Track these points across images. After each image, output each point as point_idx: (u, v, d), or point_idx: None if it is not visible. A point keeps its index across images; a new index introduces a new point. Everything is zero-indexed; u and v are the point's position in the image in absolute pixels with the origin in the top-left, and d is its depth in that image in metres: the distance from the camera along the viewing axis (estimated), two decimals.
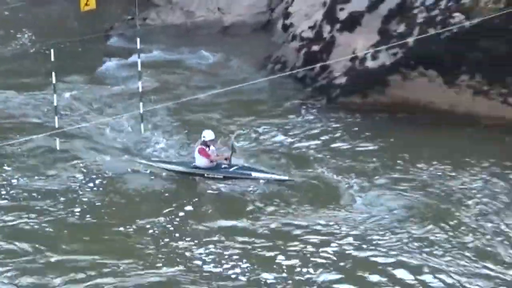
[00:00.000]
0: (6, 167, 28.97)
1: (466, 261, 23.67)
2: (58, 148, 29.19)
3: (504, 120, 31.40)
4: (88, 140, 31.12)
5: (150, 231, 25.32)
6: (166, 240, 24.84)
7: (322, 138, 31.41)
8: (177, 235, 25.06)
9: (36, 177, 28.51)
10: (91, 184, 28.02)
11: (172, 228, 25.42)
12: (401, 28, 33.29)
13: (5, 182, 28.05)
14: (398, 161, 29.49)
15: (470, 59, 31.63)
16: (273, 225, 25.41)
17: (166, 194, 27.49)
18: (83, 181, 28.23)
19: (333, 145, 30.87)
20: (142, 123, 29.75)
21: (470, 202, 26.84)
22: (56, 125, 28.56)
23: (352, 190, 27.63)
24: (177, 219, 25.92)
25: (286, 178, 27.87)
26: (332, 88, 33.88)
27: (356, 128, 32.01)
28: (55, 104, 28.70)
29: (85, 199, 27.16)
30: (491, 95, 31.76)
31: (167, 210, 26.40)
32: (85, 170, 28.89)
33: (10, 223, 25.80)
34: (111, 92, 35.14)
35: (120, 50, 38.05)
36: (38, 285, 22.83)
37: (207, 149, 28.16)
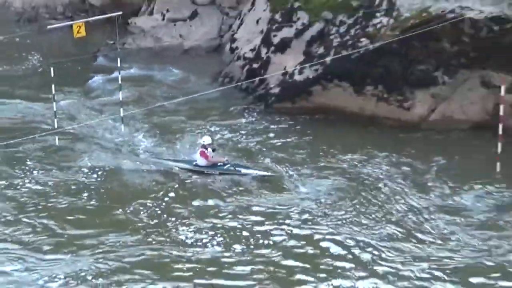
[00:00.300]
0: (24, 161, 29.24)
1: (385, 233, 24.44)
2: (57, 144, 29.09)
3: (400, 121, 31.97)
4: (82, 138, 31.26)
5: (142, 212, 25.78)
6: (156, 220, 25.42)
7: (262, 135, 31.65)
8: (164, 215, 25.64)
9: (48, 169, 28.74)
10: (94, 175, 28.28)
11: (159, 211, 25.91)
12: (321, 50, 33.47)
13: (23, 173, 28.36)
14: (321, 153, 29.94)
15: (374, 74, 32.03)
16: (238, 208, 25.98)
17: (157, 184, 27.68)
18: (88, 172, 28.50)
19: (270, 141, 31.14)
20: (123, 124, 29.78)
21: (380, 184, 27.58)
22: (56, 126, 28.52)
23: (291, 177, 28.08)
24: (164, 204, 26.32)
25: (268, 174, 28.18)
26: (268, 96, 33.99)
27: (287, 127, 32.26)
28: (54, 109, 28.68)
29: (91, 187, 27.52)
30: (390, 101, 32.15)
31: (156, 196, 26.77)
32: (88, 163, 29.20)
33: (32, 207, 26.13)
34: (98, 100, 35.12)
35: (104, 68, 37.93)
36: (57, 254, 23.40)
37: (206, 151, 28.35)
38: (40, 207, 26.16)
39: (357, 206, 26.15)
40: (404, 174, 28.39)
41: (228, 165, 28.52)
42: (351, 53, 31.85)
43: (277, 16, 35.90)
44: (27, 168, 28.78)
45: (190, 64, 38.19)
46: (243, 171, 28.35)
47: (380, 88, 32.19)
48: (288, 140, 31.32)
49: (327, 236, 24.21)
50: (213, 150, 28.88)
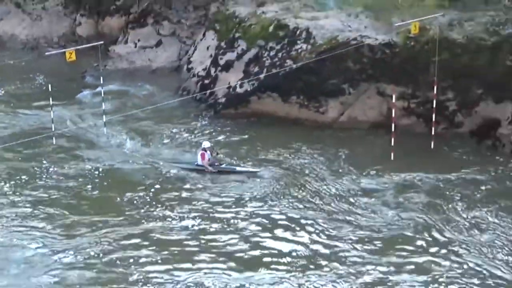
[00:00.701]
0: (34, 158, 28.83)
1: (323, 209, 24.67)
2: (54, 143, 28.45)
3: (317, 122, 31.57)
4: (74, 138, 30.76)
5: (135, 201, 25.35)
6: (147, 206, 24.94)
7: (212, 135, 31.11)
8: (154, 202, 25.25)
9: (56, 164, 28.40)
10: (96, 172, 27.78)
11: (149, 199, 25.46)
12: (256, 69, 33.02)
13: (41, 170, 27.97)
14: (259, 148, 29.67)
15: (296, 87, 31.64)
16: (211, 196, 25.88)
17: (149, 179, 27.09)
18: (90, 168, 28.11)
19: (219, 139, 30.70)
20: (105, 127, 28.97)
21: (307, 171, 27.58)
22: (53, 129, 27.68)
23: (251, 161, 28.15)
24: (151, 194, 25.84)
25: (257, 170, 27.42)
26: (217, 105, 33.37)
27: (232, 128, 31.71)
28: (52, 116, 27.89)
29: (94, 180, 27.11)
30: (309, 107, 31.77)
31: (147, 188, 26.30)
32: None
33: (43, 198, 25.77)
34: (86, 109, 34.33)
35: (91, 84, 37.09)
36: (65, 234, 23.18)
37: (206, 153, 27.42)
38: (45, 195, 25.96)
39: (296, 189, 26.11)
40: (322, 163, 28.16)
41: (224, 165, 27.82)
42: (279, 71, 31.59)
43: (223, 44, 35.55)
44: (39, 164, 28.38)
45: (157, 81, 37.56)
46: (238, 169, 27.60)
47: (302, 97, 31.81)
48: (233, 138, 30.90)
49: (280, 215, 24.38)
50: (217, 154, 28.11)
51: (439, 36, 28.88)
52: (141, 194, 25.83)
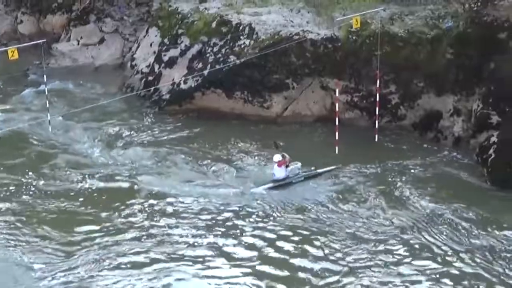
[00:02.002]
0: None
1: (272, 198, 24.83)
2: None
3: (262, 117, 31.41)
4: (17, 137, 30.10)
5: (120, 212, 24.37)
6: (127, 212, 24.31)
7: (157, 131, 30.81)
8: (134, 210, 24.44)
9: None
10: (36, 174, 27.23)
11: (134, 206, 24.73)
12: (200, 65, 32.74)
13: None
14: (206, 144, 29.37)
15: (240, 82, 31.45)
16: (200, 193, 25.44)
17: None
18: (33, 167, 27.55)
19: (164, 136, 30.38)
20: (50, 125, 28.16)
21: (251, 167, 27.46)
22: None
23: (195, 162, 27.74)
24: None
25: (334, 167, 26.75)
26: (161, 101, 33.00)
27: (177, 124, 31.40)
28: None
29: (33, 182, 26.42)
30: (253, 103, 31.59)
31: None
32: (25, 157, 28.51)
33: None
34: (29, 107, 33.62)
35: (34, 82, 36.21)
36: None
37: (284, 159, 26.05)
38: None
39: (239, 184, 26.04)
40: (266, 157, 27.98)
41: (304, 172, 26.47)
42: (223, 67, 31.40)
43: (166, 40, 35.12)
44: None
45: (100, 79, 36.91)
46: (319, 170, 26.54)
47: (246, 93, 31.61)
48: (177, 135, 30.53)
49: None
50: (277, 147, 26.90)
51: (380, 30, 28.93)
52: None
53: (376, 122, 28.75)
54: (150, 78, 34.60)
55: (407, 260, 21.22)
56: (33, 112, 32.80)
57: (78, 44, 39.87)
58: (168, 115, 32.28)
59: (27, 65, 37.80)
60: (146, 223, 23.25)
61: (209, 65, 32.26)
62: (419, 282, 20.26)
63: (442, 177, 26.37)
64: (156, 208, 24.24)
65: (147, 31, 37.23)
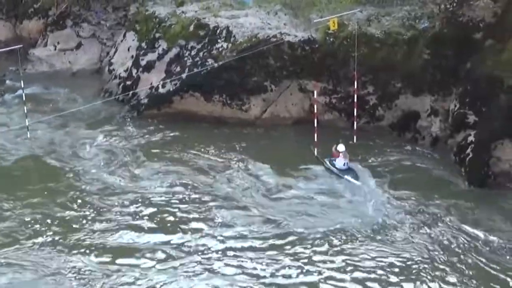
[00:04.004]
0: None
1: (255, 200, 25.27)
2: None
3: (240, 120, 31.42)
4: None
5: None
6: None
7: (136, 136, 30.76)
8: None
9: None
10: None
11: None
12: (178, 68, 32.66)
13: None
14: (185, 147, 29.51)
15: (218, 85, 31.38)
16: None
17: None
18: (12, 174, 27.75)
19: (143, 140, 30.40)
20: (28, 131, 28.10)
21: (230, 170, 27.57)
22: None
23: (175, 162, 28.12)
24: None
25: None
26: (140, 106, 32.84)
27: (155, 128, 31.36)
28: None
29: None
30: (232, 106, 31.56)
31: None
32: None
33: None
34: (6, 113, 33.50)
35: (11, 88, 36.00)
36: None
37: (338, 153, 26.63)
38: None
39: (220, 186, 26.39)
40: (245, 160, 28.12)
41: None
42: (201, 70, 31.31)
43: (143, 44, 35.05)
44: None
45: (78, 84, 36.64)
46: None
47: (224, 96, 31.57)
48: (156, 139, 30.56)
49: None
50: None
51: (357, 32, 29.04)
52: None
53: (355, 123, 28.88)
54: (128, 82, 34.47)
55: (384, 257, 21.75)
56: (10, 118, 32.66)
57: (55, 49, 39.64)
58: (147, 119, 32.13)
59: (4, 71, 37.61)
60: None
61: (187, 69, 32.19)
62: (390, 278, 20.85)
63: (420, 177, 26.50)
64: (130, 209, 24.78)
65: (124, 36, 37.10)
